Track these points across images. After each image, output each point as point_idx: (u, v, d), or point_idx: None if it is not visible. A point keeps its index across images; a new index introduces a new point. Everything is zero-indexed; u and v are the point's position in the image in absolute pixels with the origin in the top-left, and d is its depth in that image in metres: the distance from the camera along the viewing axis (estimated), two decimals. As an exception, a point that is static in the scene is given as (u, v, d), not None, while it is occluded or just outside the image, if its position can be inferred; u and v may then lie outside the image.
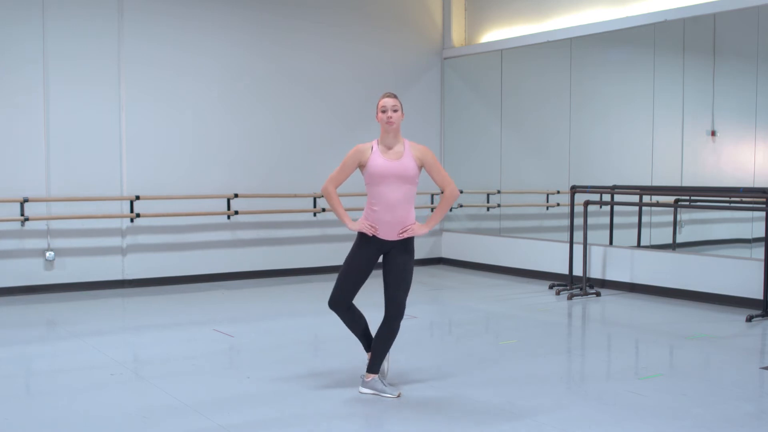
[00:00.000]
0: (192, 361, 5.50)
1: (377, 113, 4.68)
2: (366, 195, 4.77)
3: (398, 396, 4.63)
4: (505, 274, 9.86)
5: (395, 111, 4.64)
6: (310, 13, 9.71)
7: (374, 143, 4.70)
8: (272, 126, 9.49)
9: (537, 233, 10.18)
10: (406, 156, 4.63)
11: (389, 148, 4.66)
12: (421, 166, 4.70)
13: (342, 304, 4.71)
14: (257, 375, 5.11)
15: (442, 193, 4.79)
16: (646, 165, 8.79)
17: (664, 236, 8.82)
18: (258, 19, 9.35)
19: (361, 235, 4.68)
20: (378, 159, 4.60)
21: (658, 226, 8.94)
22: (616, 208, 8.93)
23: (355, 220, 4.75)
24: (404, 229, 4.62)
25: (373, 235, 4.63)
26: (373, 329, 4.85)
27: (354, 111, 9.97)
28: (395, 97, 4.69)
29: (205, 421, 4.20)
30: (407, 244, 4.68)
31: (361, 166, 4.67)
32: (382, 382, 4.67)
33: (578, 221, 8.51)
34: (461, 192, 10.71)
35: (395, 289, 4.62)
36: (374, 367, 4.70)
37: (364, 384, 4.70)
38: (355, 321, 4.78)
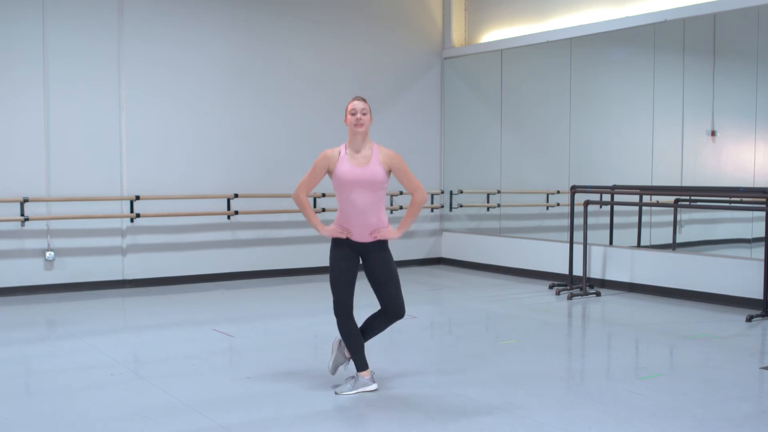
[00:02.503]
0: (192, 361, 5.51)
1: (346, 116, 4.66)
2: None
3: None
4: (505, 274, 9.86)
5: (364, 114, 4.63)
6: (310, 12, 9.71)
7: (342, 148, 4.69)
8: (272, 126, 9.50)
9: (537, 233, 10.18)
10: (373, 161, 4.61)
11: (357, 151, 4.64)
12: (389, 171, 4.67)
13: (344, 308, 4.68)
14: (257, 375, 5.11)
15: (412, 197, 4.76)
16: (646, 165, 8.79)
17: (664, 236, 8.82)
18: (258, 19, 9.35)
19: (335, 239, 4.72)
20: (345, 165, 4.59)
21: (658, 226, 8.94)
22: (616, 208, 8.93)
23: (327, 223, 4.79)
24: (377, 231, 4.63)
25: (347, 238, 4.66)
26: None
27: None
28: (365, 101, 4.70)
29: (205, 421, 4.20)
30: (382, 242, 4.71)
31: (330, 172, 4.67)
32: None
33: (578, 221, 8.51)
34: (461, 192, 10.72)
35: (390, 289, 4.67)
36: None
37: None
38: (354, 336, 4.72)
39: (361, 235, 4.65)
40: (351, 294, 4.70)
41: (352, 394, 4.64)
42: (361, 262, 4.73)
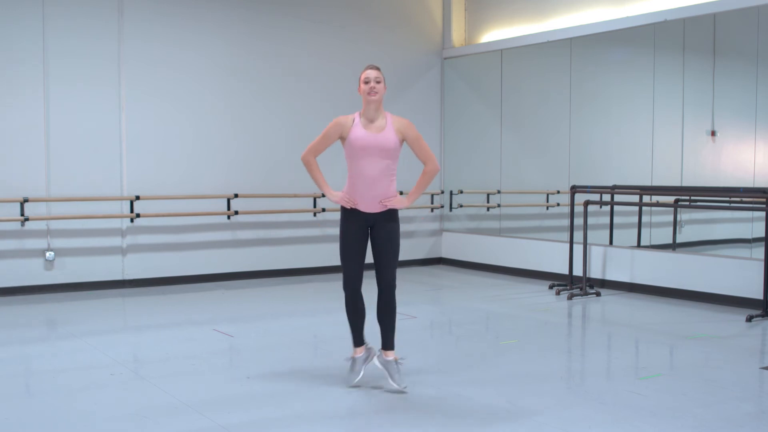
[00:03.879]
0: (192, 360, 5.51)
1: (359, 85, 4.65)
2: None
3: (404, 388, 4.66)
4: (505, 274, 9.86)
5: (378, 82, 4.60)
6: (310, 12, 9.71)
7: (356, 116, 4.68)
8: (272, 126, 9.50)
9: (537, 233, 10.18)
10: (387, 129, 4.61)
11: (371, 121, 4.64)
12: (402, 140, 4.67)
13: (352, 283, 4.71)
14: (257, 375, 5.11)
15: (424, 167, 4.76)
16: (646, 165, 8.79)
17: (664, 236, 8.82)
18: (258, 18, 9.35)
19: (345, 210, 4.71)
20: (359, 131, 4.59)
21: (658, 226, 8.94)
22: (616, 208, 8.93)
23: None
24: (386, 200, 4.63)
25: (356, 209, 4.65)
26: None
27: (354, 111, 9.94)
28: (378, 69, 4.65)
29: (205, 421, 4.20)
30: (391, 214, 4.70)
31: (342, 139, 4.66)
32: (398, 367, 4.73)
33: (578, 221, 8.51)
34: (461, 192, 10.72)
35: (385, 264, 4.69)
36: (389, 343, 4.78)
37: (382, 361, 4.75)
38: (357, 312, 4.78)
39: (369, 206, 4.63)
40: (360, 268, 4.71)
41: (361, 376, 4.74)
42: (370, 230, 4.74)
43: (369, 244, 4.77)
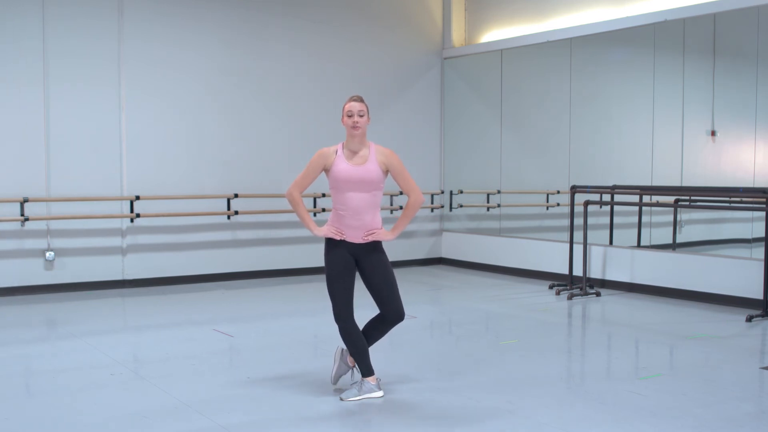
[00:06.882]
0: (192, 361, 5.51)
1: (343, 117, 4.57)
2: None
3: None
4: (505, 274, 9.86)
5: (361, 116, 4.53)
6: (310, 12, 9.71)
7: (339, 147, 4.61)
8: (272, 126, 9.50)
9: (537, 233, 10.18)
10: (370, 161, 4.54)
11: (354, 152, 4.57)
12: (386, 171, 4.61)
13: (344, 313, 4.59)
14: (257, 375, 5.11)
15: (408, 199, 4.68)
16: (646, 165, 8.79)
17: (664, 236, 8.82)
18: (258, 18, 9.35)
19: (329, 241, 4.62)
20: (342, 164, 4.53)
21: (658, 226, 8.94)
22: (616, 208, 8.93)
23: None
24: (370, 232, 4.56)
25: (341, 239, 4.58)
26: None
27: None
28: (362, 101, 4.59)
29: (205, 421, 4.20)
30: (375, 244, 4.63)
31: (326, 171, 4.60)
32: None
33: (578, 221, 8.51)
34: (461, 192, 10.72)
35: (388, 293, 4.60)
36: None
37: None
38: (356, 341, 4.63)
39: (355, 236, 4.57)
40: (350, 297, 4.61)
41: (357, 399, 4.56)
42: (356, 264, 4.65)
43: (360, 280, 4.67)
